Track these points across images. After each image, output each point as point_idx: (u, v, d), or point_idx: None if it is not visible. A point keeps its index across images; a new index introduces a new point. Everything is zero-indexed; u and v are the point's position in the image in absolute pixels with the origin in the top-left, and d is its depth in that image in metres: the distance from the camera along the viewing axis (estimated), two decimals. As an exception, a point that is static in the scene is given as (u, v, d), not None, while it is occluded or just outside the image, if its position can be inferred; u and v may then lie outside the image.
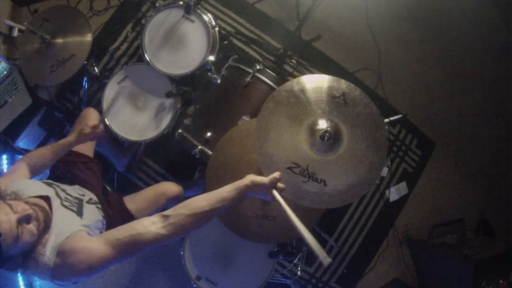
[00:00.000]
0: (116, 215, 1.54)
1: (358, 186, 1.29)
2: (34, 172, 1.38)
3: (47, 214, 1.11)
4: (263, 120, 1.33)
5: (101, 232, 1.30)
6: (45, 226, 1.07)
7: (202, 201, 1.07)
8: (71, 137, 1.49)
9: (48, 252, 1.02)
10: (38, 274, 1.05)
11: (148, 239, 1.00)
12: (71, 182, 1.50)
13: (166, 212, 1.04)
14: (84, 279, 1.10)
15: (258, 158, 1.31)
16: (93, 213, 1.34)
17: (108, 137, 2.06)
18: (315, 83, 1.34)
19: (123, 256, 1.02)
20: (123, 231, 1.03)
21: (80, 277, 1.03)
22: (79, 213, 1.25)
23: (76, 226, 1.14)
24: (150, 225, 1.02)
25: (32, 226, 1.03)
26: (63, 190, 1.31)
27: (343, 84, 1.34)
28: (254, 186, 1.12)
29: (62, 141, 1.48)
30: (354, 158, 1.30)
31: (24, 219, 1.01)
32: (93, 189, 1.54)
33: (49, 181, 1.34)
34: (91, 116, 1.78)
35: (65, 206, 1.22)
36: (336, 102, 1.32)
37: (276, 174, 1.13)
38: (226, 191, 1.11)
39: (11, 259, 1.00)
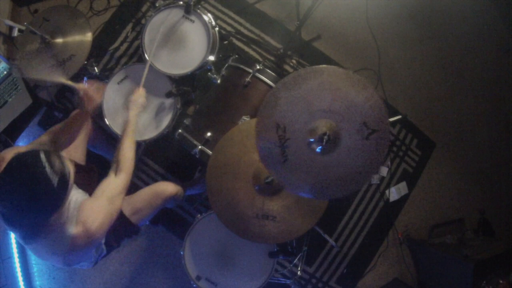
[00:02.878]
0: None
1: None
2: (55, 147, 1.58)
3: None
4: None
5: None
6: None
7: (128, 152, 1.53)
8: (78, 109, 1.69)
9: (71, 209, 1.23)
10: (57, 242, 1.20)
11: (119, 185, 1.41)
12: None
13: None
14: (98, 241, 1.33)
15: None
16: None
17: (105, 137, 2.06)
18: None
19: (117, 204, 1.37)
20: (108, 185, 1.40)
21: (97, 233, 1.24)
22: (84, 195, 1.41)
23: (86, 196, 1.37)
24: (114, 178, 1.44)
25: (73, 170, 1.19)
26: None
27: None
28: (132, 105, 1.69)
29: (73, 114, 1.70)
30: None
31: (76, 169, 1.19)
32: (90, 191, 1.54)
33: None
34: (81, 118, 1.80)
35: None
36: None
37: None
38: (127, 137, 1.58)
39: (63, 202, 1.14)
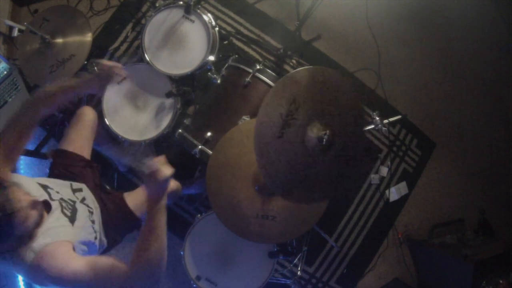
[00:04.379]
0: (116, 211, 1.55)
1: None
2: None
3: (42, 212, 1.16)
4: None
5: (95, 238, 1.36)
6: (39, 222, 1.12)
7: (149, 242, 1.10)
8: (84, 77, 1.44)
9: (31, 248, 1.06)
10: (16, 266, 1.08)
11: (121, 272, 1.04)
12: (68, 179, 1.50)
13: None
14: None
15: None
16: (84, 217, 1.35)
17: (108, 137, 2.06)
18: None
19: (97, 281, 1.03)
20: (106, 260, 1.07)
21: (51, 283, 1.05)
22: (72, 219, 1.27)
23: (65, 235, 1.17)
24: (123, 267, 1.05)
25: (35, 214, 1.08)
26: (57, 192, 1.32)
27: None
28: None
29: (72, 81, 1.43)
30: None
31: (33, 205, 1.07)
32: (91, 188, 1.55)
33: (46, 183, 1.33)
34: (88, 115, 1.76)
35: (60, 211, 1.25)
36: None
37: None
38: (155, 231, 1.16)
39: (12, 238, 1.03)
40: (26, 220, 1.04)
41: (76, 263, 1.06)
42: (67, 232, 1.20)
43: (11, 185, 1.06)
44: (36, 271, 1.06)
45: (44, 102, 1.36)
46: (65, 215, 1.25)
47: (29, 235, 1.08)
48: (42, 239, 1.09)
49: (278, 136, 1.22)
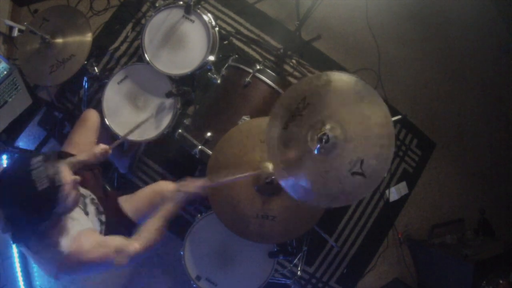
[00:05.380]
0: (112, 215, 1.56)
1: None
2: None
3: (79, 195, 1.24)
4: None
5: (100, 232, 1.43)
6: (76, 204, 1.20)
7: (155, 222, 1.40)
8: (81, 156, 1.57)
9: (66, 237, 1.17)
10: (47, 256, 1.16)
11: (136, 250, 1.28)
12: None
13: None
14: (85, 274, 1.35)
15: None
16: (93, 213, 1.42)
17: (109, 138, 2.05)
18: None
19: (119, 258, 1.24)
20: (124, 241, 1.29)
21: (85, 268, 1.20)
22: (85, 212, 1.36)
23: (86, 223, 1.31)
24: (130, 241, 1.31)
25: (75, 194, 1.16)
26: None
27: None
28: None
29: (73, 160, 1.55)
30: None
31: (75, 184, 1.16)
32: (93, 190, 1.55)
33: None
34: (92, 119, 1.79)
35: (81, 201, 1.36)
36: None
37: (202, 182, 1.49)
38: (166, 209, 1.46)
39: (54, 213, 1.10)
40: (68, 197, 1.11)
41: (107, 243, 1.24)
42: (86, 221, 1.32)
43: (63, 162, 1.14)
44: (72, 259, 1.15)
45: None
46: (80, 208, 1.34)
47: (62, 226, 1.17)
48: (74, 227, 1.21)
49: (282, 127, 1.28)
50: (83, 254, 1.17)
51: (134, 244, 1.28)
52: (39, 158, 1.07)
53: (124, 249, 1.25)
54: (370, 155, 1.21)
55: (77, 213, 1.29)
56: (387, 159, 1.20)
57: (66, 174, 1.11)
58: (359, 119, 1.23)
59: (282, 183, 1.29)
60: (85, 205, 1.40)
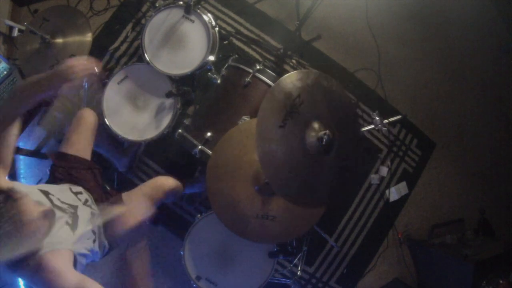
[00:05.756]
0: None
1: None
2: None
3: (52, 222, 1.16)
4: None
5: (93, 240, 1.36)
6: (48, 232, 1.12)
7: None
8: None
9: (36, 255, 1.07)
10: (20, 272, 1.09)
11: None
12: (69, 182, 1.50)
13: None
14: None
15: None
16: (86, 221, 1.35)
17: (108, 137, 2.06)
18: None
19: None
20: (93, 285, 1.13)
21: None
22: (73, 227, 1.27)
23: (66, 244, 1.19)
24: None
25: (46, 224, 1.10)
26: (59, 199, 1.31)
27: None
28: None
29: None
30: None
31: (44, 215, 1.08)
32: (93, 190, 1.55)
33: (46, 189, 1.32)
34: (89, 118, 1.75)
35: (62, 219, 1.25)
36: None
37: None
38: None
39: (23, 249, 1.03)
40: (36, 231, 1.05)
41: (69, 276, 1.10)
42: (68, 241, 1.21)
43: (22, 196, 1.06)
44: (33, 276, 1.08)
45: (20, 97, 1.28)
46: (67, 223, 1.26)
47: (38, 245, 1.08)
48: (45, 247, 1.10)
49: (279, 126, 1.26)
50: (41, 276, 1.07)
51: None
52: None
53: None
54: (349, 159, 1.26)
55: (56, 231, 1.20)
56: (360, 164, 1.26)
57: (30, 210, 1.03)
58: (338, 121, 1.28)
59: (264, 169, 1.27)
60: (75, 218, 1.31)
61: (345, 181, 1.36)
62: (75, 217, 1.31)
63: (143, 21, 2.52)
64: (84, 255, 1.30)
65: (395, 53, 2.69)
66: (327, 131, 1.25)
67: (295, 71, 1.31)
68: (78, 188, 1.49)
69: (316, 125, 1.29)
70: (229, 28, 2.54)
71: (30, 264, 1.07)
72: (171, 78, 1.97)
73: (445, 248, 2.30)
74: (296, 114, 1.26)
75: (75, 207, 1.35)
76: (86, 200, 1.45)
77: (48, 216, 1.11)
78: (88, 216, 1.38)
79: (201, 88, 2.37)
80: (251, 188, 1.54)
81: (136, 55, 2.48)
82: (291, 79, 1.28)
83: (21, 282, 2.21)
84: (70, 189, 1.45)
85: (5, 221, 0.98)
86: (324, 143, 1.25)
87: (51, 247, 1.12)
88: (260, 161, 1.25)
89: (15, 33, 1.90)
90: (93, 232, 1.38)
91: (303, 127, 1.28)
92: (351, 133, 1.36)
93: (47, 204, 1.24)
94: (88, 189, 1.53)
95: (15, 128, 1.27)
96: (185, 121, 1.93)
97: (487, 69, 2.79)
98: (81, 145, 1.67)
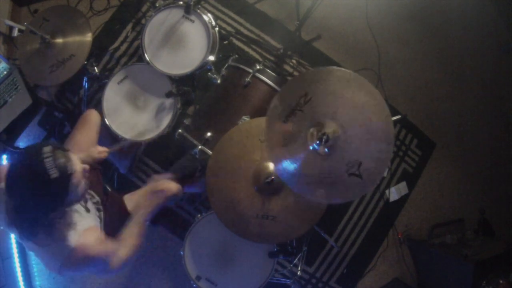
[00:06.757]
0: (116, 214, 1.57)
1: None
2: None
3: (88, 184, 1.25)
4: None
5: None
6: (85, 193, 1.24)
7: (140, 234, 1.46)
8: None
9: (73, 231, 1.19)
10: (53, 250, 1.17)
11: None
12: None
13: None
14: (86, 271, 1.29)
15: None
16: (93, 211, 1.43)
17: (110, 138, 2.06)
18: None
19: (113, 258, 1.28)
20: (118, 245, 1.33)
21: (88, 264, 1.22)
22: (86, 209, 1.37)
23: (90, 221, 1.33)
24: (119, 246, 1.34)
25: (85, 182, 1.18)
26: None
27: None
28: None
29: None
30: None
31: (84, 172, 1.17)
32: (95, 190, 1.55)
33: None
34: (94, 119, 1.80)
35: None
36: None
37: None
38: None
39: (66, 201, 1.12)
40: (78, 185, 1.13)
41: (107, 243, 1.27)
42: (91, 218, 1.36)
43: (68, 150, 1.14)
44: (78, 254, 1.17)
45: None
46: (81, 205, 1.35)
47: (69, 222, 1.19)
48: (80, 221, 1.24)
49: (283, 120, 1.30)
50: (89, 249, 1.19)
51: (124, 250, 1.33)
52: (50, 147, 1.08)
53: (117, 252, 1.29)
54: (368, 158, 1.22)
55: (81, 209, 1.33)
56: (384, 164, 1.23)
57: (76, 163, 1.13)
58: (359, 121, 1.23)
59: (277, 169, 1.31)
60: (86, 202, 1.41)
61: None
62: (85, 201, 1.42)
63: (143, 21, 2.52)
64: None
65: (395, 53, 2.69)
66: (326, 131, 1.25)
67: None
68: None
69: (317, 126, 1.29)
70: (229, 28, 2.54)
71: (74, 240, 1.17)
72: (171, 78, 1.97)
73: (445, 248, 2.30)
74: (300, 112, 1.28)
75: (85, 200, 1.43)
76: (93, 197, 1.50)
77: (86, 175, 1.19)
78: (93, 208, 1.46)
79: (201, 88, 2.37)
80: (251, 188, 1.55)
81: (136, 55, 2.48)
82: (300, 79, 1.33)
83: (21, 282, 2.21)
84: None
85: (56, 166, 1.05)
86: (324, 142, 1.26)
87: (84, 223, 1.26)
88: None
89: (15, 33, 1.89)
90: (100, 219, 1.48)
91: (309, 125, 1.29)
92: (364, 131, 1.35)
93: None
94: (91, 188, 1.54)
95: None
96: (185, 121, 1.93)
97: (487, 69, 2.79)
98: (85, 145, 1.69)
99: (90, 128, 1.76)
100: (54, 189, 1.07)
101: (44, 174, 1.03)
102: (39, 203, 1.07)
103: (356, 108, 1.24)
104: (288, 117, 1.29)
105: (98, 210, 1.48)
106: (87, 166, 1.19)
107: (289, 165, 1.30)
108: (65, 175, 1.07)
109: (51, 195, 1.08)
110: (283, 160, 1.30)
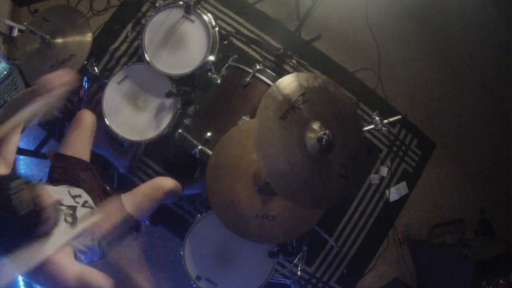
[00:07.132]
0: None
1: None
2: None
3: (59, 215, 1.21)
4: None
5: (92, 239, 1.36)
6: (56, 224, 1.17)
7: None
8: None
9: (38, 250, 1.09)
10: (19, 261, 1.09)
11: None
12: (68, 183, 1.50)
13: None
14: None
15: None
16: (84, 221, 1.35)
17: (108, 138, 2.06)
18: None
19: None
20: (96, 275, 1.20)
21: (46, 284, 1.13)
22: (73, 224, 1.30)
23: (67, 241, 1.22)
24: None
25: (56, 215, 1.15)
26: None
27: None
28: None
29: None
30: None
31: (55, 206, 1.14)
32: (92, 191, 1.55)
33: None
34: (87, 118, 1.75)
35: (62, 218, 1.28)
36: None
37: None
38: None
39: (32, 236, 1.07)
40: (48, 220, 1.09)
41: (71, 268, 1.15)
42: (67, 237, 1.23)
43: (37, 184, 1.10)
44: (36, 273, 1.09)
45: (15, 106, 1.31)
46: (66, 221, 1.28)
47: (43, 236, 1.11)
48: (48, 244, 1.13)
49: (280, 117, 1.28)
50: (43, 273, 1.10)
51: None
52: (18, 181, 1.04)
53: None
54: (351, 161, 1.29)
55: (57, 228, 1.23)
56: (360, 168, 1.33)
57: (46, 197, 1.08)
58: (340, 126, 1.30)
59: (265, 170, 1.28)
60: (74, 218, 1.34)
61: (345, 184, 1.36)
62: (74, 217, 1.33)
63: (143, 21, 2.52)
64: (83, 252, 1.30)
65: (395, 53, 2.69)
66: (327, 131, 1.25)
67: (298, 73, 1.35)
68: (77, 191, 1.48)
69: (316, 126, 1.29)
70: (229, 28, 2.54)
71: (35, 260, 1.08)
72: (171, 78, 1.97)
73: (445, 248, 2.30)
74: (298, 110, 1.28)
75: (73, 208, 1.36)
76: (85, 202, 1.45)
77: (58, 208, 1.15)
78: (86, 216, 1.38)
79: (201, 88, 2.37)
80: (251, 188, 1.55)
81: (136, 55, 2.48)
82: (298, 78, 1.32)
83: (21, 282, 2.20)
84: (69, 192, 1.44)
85: (25, 202, 1.01)
86: (324, 143, 1.26)
87: (52, 243, 1.14)
88: (257, 154, 1.27)
89: (15, 33, 1.89)
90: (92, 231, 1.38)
91: (303, 126, 1.28)
92: (353, 137, 1.37)
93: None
94: (87, 190, 1.53)
95: (17, 127, 1.31)
96: (185, 121, 1.93)
97: (487, 69, 2.79)
98: (79, 145, 1.67)
99: (83, 128, 1.72)
100: (22, 225, 1.03)
101: (12, 210, 1.00)
102: (8, 235, 1.04)
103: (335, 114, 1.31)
104: (286, 112, 1.28)
105: (91, 208, 1.44)
106: (58, 199, 1.16)
107: (279, 165, 1.29)
108: (33, 212, 1.03)
109: (19, 230, 1.04)
110: (273, 159, 1.29)
